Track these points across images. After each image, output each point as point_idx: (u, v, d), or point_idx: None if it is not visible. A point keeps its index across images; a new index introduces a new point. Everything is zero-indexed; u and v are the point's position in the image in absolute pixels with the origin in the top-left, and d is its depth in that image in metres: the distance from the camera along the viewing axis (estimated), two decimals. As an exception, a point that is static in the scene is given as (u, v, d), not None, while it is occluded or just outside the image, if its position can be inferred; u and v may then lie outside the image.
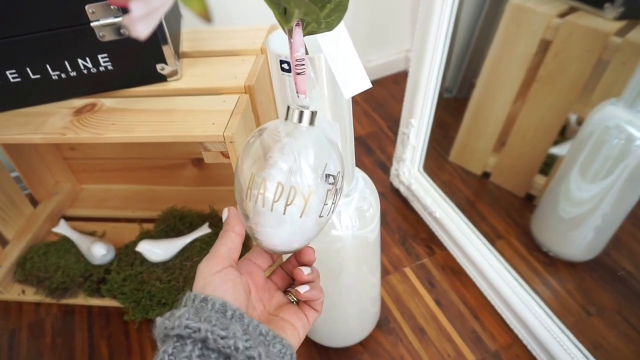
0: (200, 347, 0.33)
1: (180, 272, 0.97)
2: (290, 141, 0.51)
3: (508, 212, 1.05)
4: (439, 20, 0.87)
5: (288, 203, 0.50)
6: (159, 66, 0.75)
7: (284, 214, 0.51)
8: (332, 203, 0.49)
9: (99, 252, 0.99)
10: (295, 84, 0.49)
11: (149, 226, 1.12)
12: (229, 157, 0.66)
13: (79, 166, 1.22)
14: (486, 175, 1.13)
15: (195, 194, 1.18)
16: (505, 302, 0.85)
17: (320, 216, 0.50)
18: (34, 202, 1.17)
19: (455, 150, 1.17)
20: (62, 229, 1.09)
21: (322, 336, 0.85)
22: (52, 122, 0.71)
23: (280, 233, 0.47)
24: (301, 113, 0.50)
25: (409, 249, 1.01)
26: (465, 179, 1.13)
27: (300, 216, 0.49)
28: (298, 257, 0.43)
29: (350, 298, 0.78)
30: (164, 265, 0.99)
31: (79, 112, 0.72)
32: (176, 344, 0.34)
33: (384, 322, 0.89)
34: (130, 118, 0.70)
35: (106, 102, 0.74)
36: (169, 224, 1.08)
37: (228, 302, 0.36)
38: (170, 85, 0.75)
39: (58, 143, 0.65)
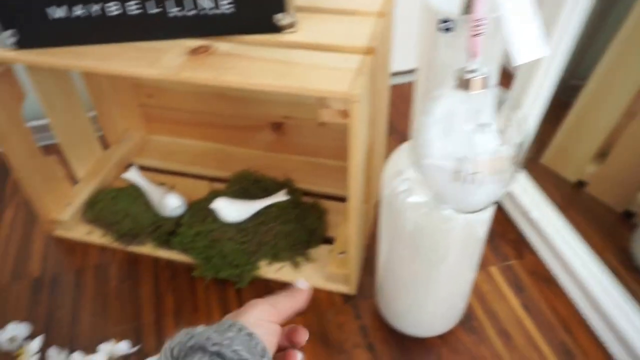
0: None
1: (254, 236, 0.94)
2: (468, 107, 0.47)
3: (603, 226, 0.98)
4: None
5: (477, 171, 0.49)
6: (277, 16, 0.70)
7: (471, 182, 0.51)
8: (513, 170, 0.50)
9: (172, 203, 0.96)
10: (470, 45, 0.44)
11: (220, 186, 1.08)
12: (348, 118, 0.61)
13: (153, 115, 1.18)
14: (581, 184, 1.06)
15: (269, 159, 1.14)
16: (605, 318, 0.79)
17: (502, 182, 0.51)
18: (104, 146, 1.14)
19: (549, 153, 1.09)
20: (133, 176, 1.07)
21: (403, 323, 0.81)
22: (167, 59, 0.67)
23: (470, 199, 0.52)
24: (475, 77, 0.46)
25: (496, 248, 0.95)
26: (557, 185, 1.06)
27: (484, 182, 0.51)
28: (290, 335, 0.40)
29: (445, 288, 0.73)
30: (237, 226, 0.95)
31: (193, 52, 0.68)
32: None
33: (467, 320, 0.84)
34: (247, 65, 0.65)
35: (220, 46, 0.70)
36: (243, 186, 1.05)
37: (267, 351, 0.35)
38: (285, 37, 0.71)
39: (172, 80, 0.61)
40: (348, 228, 0.77)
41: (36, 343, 0.78)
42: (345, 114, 0.61)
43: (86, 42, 0.72)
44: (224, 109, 1.11)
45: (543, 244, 0.92)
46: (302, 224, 0.96)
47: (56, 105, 0.95)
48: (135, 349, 0.80)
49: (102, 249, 0.99)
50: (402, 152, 0.66)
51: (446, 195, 0.56)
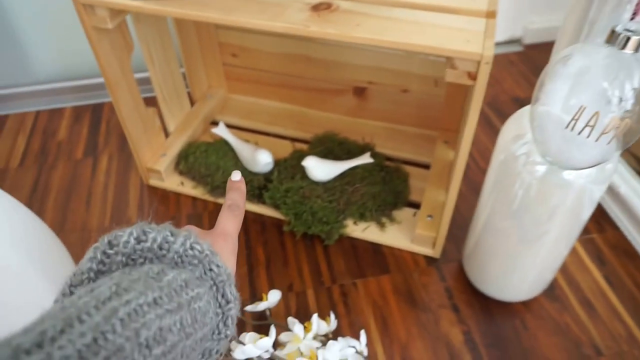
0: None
1: (341, 195, 0.97)
2: (610, 63, 0.49)
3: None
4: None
5: (606, 131, 0.50)
6: (396, -24, 0.71)
7: (595, 140, 0.52)
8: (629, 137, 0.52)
9: (264, 158, 0.99)
10: (637, 5, 0.45)
11: (302, 146, 1.11)
12: (475, 79, 0.63)
13: (235, 74, 1.22)
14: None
15: (350, 124, 1.16)
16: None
17: (614, 145, 0.53)
18: (190, 103, 1.18)
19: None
20: (222, 132, 1.10)
21: (488, 288, 0.83)
22: (289, 14, 0.70)
23: (579, 155, 0.55)
24: (628, 38, 0.47)
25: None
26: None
27: (609, 142, 0.52)
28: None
29: (541, 254, 0.75)
30: (324, 185, 0.98)
31: (315, 8, 0.70)
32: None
33: (550, 289, 0.86)
34: (374, 22, 0.67)
35: (342, 3, 0.72)
36: (327, 147, 1.08)
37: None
38: (405, -2, 0.72)
39: (294, 33, 0.63)
40: (449, 193, 0.79)
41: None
42: (472, 75, 0.63)
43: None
44: (308, 72, 1.14)
45: (628, 220, 0.93)
46: (387, 186, 0.98)
47: (155, 59, 0.99)
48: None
49: (194, 199, 1.03)
50: (520, 117, 0.68)
51: (556, 148, 0.57)
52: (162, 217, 1.00)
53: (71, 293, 0.32)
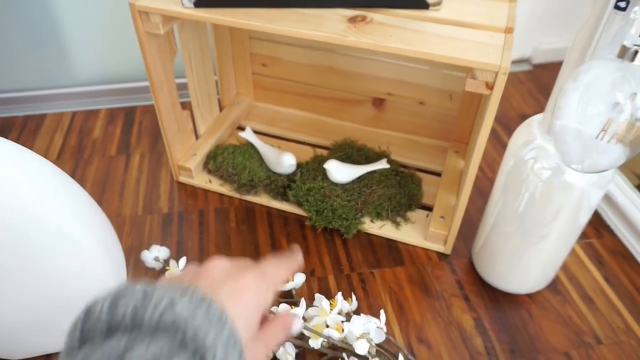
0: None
1: (359, 196, 1.05)
2: (622, 75, 0.57)
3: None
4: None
5: (611, 134, 0.58)
6: (428, -8, 0.81)
7: (615, 144, 0.60)
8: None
9: (289, 160, 1.08)
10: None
11: (322, 151, 1.20)
12: (491, 89, 0.71)
13: (263, 83, 1.31)
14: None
15: (367, 134, 1.25)
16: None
17: (628, 149, 0.61)
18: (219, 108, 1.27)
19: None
20: (249, 135, 1.19)
21: (497, 278, 0.90)
22: (329, 25, 0.78)
23: (602, 161, 0.63)
24: (637, 51, 0.55)
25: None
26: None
27: (614, 147, 0.60)
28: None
29: (543, 254, 0.83)
30: (343, 187, 1.06)
31: (352, 20, 0.79)
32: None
33: (552, 284, 0.93)
34: (404, 34, 0.76)
35: (375, 16, 0.81)
36: (346, 153, 1.16)
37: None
38: (431, 14, 0.81)
39: (334, 42, 0.72)
40: (461, 195, 0.87)
41: (182, 261, 0.90)
42: (489, 85, 0.71)
43: (251, 5, 0.84)
44: (330, 82, 1.23)
45: (624, 227, 1.01)
46: (402, 190, 1.07)
47: (194, 65, 1.08)
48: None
49: (221, 195, 1.11)
50: (530, 125, 0.76)
51: (575, 155, 0.66)
52: (191, 210, 1.07)
53: None
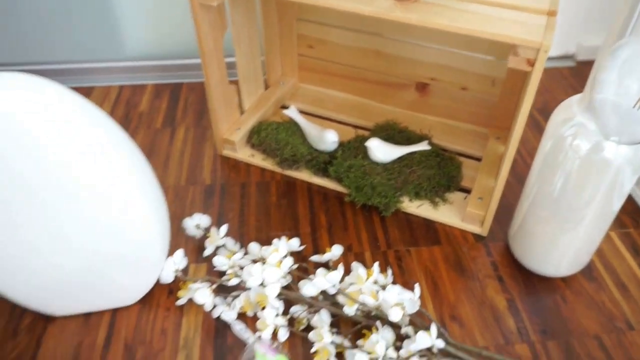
0: None
1: (399, 175, 1.07)
2: None
3: None
4: None
5: None
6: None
7: None
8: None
9: (331, 137, 1.10)
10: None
11: (364, 132, 1.22)
12: (533, 66, 0.72)
13: (308, 64, 1.33)
14: None
15: (409, 117, 1.26)
16: None
17: None
18: (265, 87, 1.31)
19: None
20: (293, 113, 1.22)
21: (531, 260, 0.91)
22: (379, 2, 0.81)
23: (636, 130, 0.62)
24: None
25: (616, 217, 1.04)
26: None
27: None
28: None
29: (577, 239, 0.83)
30: (384, 165, 1.09)
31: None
32: None
33: (587, 270, 0.93)
34: (450, 13, 0.78)
35: (422, -4, 0.82)
36: (388, 134, 1.18)
37: None
38: (475, -5, 0.82)
39: (380, 17, 0.74)
40: (499, 177, 0.88)
41: (224, 228, 0.94)
42: (530, 62, 0.72)
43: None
44: (376, 66, 1.25)
45: (666, 218, 1.00)
46: (442, 171, 1.08)
47: (242, 41, 1.12)
48: (301, 248, 0.95)
49: (262, 170, 1.15)
50: (569, 104, 0.77)
51: (614, 127, 0.66)
52: (233, 183, 1.11)
53: None
